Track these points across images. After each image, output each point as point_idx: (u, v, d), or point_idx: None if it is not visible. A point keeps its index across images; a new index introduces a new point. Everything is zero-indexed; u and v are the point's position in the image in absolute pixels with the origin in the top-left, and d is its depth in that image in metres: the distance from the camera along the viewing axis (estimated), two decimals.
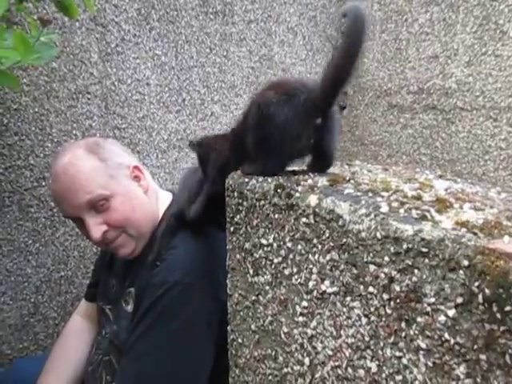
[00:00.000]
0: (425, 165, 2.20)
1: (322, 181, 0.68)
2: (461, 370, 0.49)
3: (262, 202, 0.72)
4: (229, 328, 0.86)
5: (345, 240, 0.59)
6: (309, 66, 2.43)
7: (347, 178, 0.69)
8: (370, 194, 0.61)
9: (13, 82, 0.70)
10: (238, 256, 0.80)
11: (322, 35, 2.46)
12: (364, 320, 0.59)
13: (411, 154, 2.28)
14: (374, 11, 2.35)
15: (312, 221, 0.64)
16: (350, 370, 0.61)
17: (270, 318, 0.75)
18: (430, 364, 0.52)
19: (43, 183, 1.57)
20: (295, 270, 0.68)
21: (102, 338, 1.10)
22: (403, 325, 0.54)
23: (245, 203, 0.76)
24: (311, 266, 0.65)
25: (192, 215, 0.92)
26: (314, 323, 0.66)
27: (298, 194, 0.66)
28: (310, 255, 0.65)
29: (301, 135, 0.72)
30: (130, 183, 1.06)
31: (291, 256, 0.69)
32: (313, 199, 0.63)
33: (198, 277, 0.93)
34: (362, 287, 0.58)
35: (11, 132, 1.48)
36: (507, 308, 0.44)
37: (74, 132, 1.62)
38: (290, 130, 0.71)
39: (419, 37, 2.16)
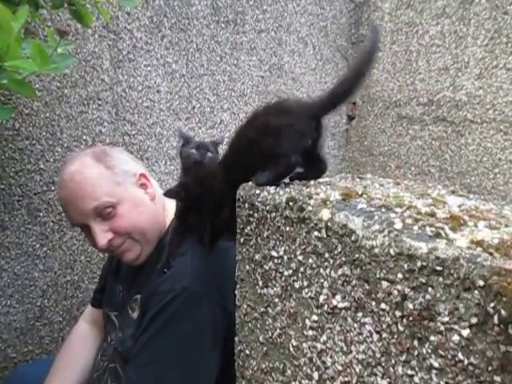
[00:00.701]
0: (433, 177, 2.20)
1: (335, 195, 0.68)
2: None
3: (274, 214, 0.72)
4: (236, 339, 0.85)
5: (357, 255, 0.59)
6: (318, 75, 2.43)
7: (360, 193, 0.68)
8: (383, 210, 0.61)
9: (29, 91, 0.70)
10: (247, 267, 0.80)
11: (332, 45, 2.47)
12: (375, 336, 0.58)
13: (420, 166, 2.27)
14: (385, 22, 2.36)
15: (324, 235, 0.63)
16: None
17: (278, 330, 0.74)
18: None
19: (52, 188, 1.58)
20: (306, 283, 0.68)
21: (108, 345, 1.10)
22: (416, 343, 0.53)
23: (256, 215, 0.76)
24: (322, 280, 0.65)
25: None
26: (323, 337, 0.66)
27: (310, 208, 0.66)
28: (322, 269, 0.65)
29: (305, 134, 0.77)
30: (137, 191, 1.07)
31: (302, 269, 0.68)
32: (325, 213, 0.63)
33: (205, 285, 0.93)
34: (374, 303, 0.58)
35: (22, 136, 1.50)
36: None
37: (84, 137, 1.63)
38: (292, 134, 0.76)
39: (430, 49, 2.16)
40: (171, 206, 1.13)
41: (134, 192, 1.06)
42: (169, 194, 0.95)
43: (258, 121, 0.81)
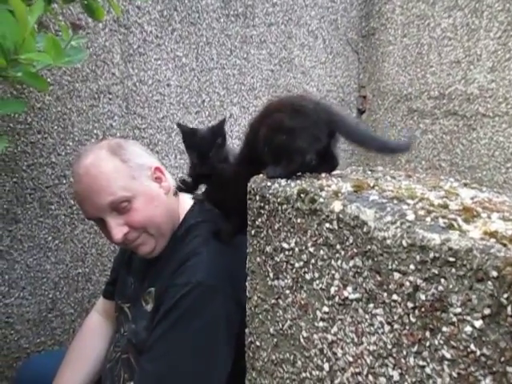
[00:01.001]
0: (444, 171, 2.18)
1: (346, 187, 0.68)
2: (486, 381, 0.48)
3: (285, 206, 0.72)
4: (247, 330, 0.86)
5: (369, 247, 0.59)
6: (328, 69, 2.42)
7: (371, 185, 0.68)
8: (396, 202, 0.61)
9: (42, 84, 0.71)
10: (258, 259, 0.80)
11: (343, 39, 2.46)
12: (387, 328, 0.58)
13: (431, 160, 2.25)
14: (396, 15, 2.33)
15: (336, 226, 0.64)
16: (370, 377, 0.61)
17: (289, 321, 0.75)
18: (454, 375, 0.51)
19: (64, 181, 1.59)
20: (317, 275, 0.68)
21: (121, 336, 1.11)
22: (428, 334, 0.53)
23: (267, 207, 0.76)
24: (333, 272, 0.65)
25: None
26: (334, 329, 0.66)
27: (321, 200, 0.66)
28: (333, 261, 0.65)
29: (319, 137, 0.77)
30: (152, 184, 1.07)
31: (313, 261, 0.68)
32: (337, 205, 0.63)
33: (220, 279, 0.93)
34: (385, 294, 0.58)
35: (34, 130, 1.51)
36: None
37: (95, 131, 1.64)
38: (307, 133, 0.76)
39: (441, 42, 2.14)
40: (185, 198, 1.14)
41: (149, 186, 1.06)
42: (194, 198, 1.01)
43: (272, 119, 0.80)
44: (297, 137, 0.76)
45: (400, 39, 2.33)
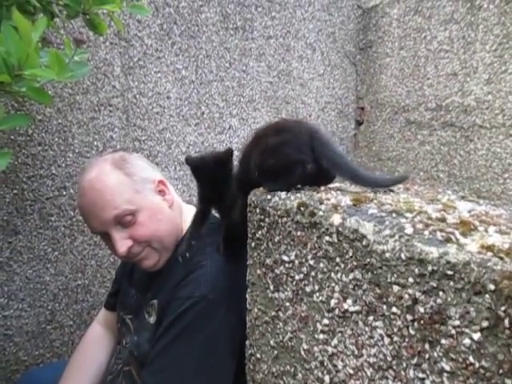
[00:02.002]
0: (442, 182, 2.19)
1: (346, 200, 0.69)
2: None
3: (285, 219, 0.73)
4: (247, 343, 0.86)
5: (368, 260, 0.60)
6: (326, 81, 2.44)
7: (370, 198, 0.69)
8: (394, 215, 0.62)
9: (46, 99, 0.72)
10: (258, 271, 0.81)
11: (340, 51, 2.48)
12: (387, 340, 0.59)
13: (429, 171, 2.27)
14: (393, 28, 2.36)
15: (335, 239, 0.64)
16: None
17: (289, 334, 0.75)
18: None
19: (64, 193, 1.60)
20: (317, 287, 0.69)
21: (123, 348, 1.11)
22: (427, 346, 0.54)
23: (267, 219, 0.77)
24: (333, 285, 0.66)
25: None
26: (335, 341, 0.67)
27: (321, 213, 0.67)
28: (333, 273, 0.66)
29: (302, 149, 0.79)
30: (155, 197, 1.07)
31: (313, 273, 0.69)
32: (336, 218, 0.64)
33: (223, 293, 0.93)
34: (385, 307, 0.58)
35: (35, 142, 1.52)
36: None
37: (96, 143, 1.65)
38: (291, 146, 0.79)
39: (438, 54, 2.17)
40: (188, 211, 1.15)
41: (153, 199, 1.06)
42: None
43: (259, 143, 0.83)
44: (282, 152, 0.78)
45: (397, 52, 2.36)
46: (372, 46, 2.49)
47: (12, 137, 1.46)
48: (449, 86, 2.14)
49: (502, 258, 0.49)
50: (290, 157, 0.78)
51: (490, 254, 0.50)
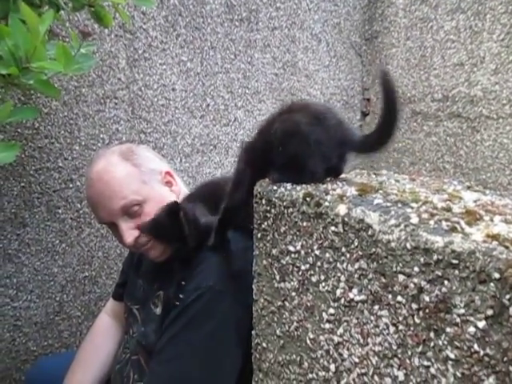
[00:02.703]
0: (448, 173, 2.18)
1: (351, 190, 0.69)
2: (490, 381, 0.49)
3: (291, 210, 0.73)
4: (253, 332, 0.87)
5: (374, 249, 0.60)
6: (332, 72, 2.43)
7: (376, 188, 0.69)
8: (400, 205, 0.62)
9: (54, 92, 0.73)
10: (264, 262, 0.81)
11: (346, 42, 2.47)
12: (392, 329, 0.59)
13: (435, 162, 2.26)
14: (399, 18, 2.34)
15: (341, 230, 0.65)
16: (376, 377, 0.62)
17: (295, 323, 0.76)
18: (458, 374, 0.52)
19: (71, 185, 1.61)
20: (323, 277, 0.69)
21: (130, 338, 1.13)
22: (432, 335, 0.54)
23: (273, 210, 0.77)
24: (339, 274, 0.66)
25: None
26: (340, 330, 0.67)
27: (327, 203, 0.67)
28: (338, 263, 0.66)
29: (331, 157, 0.77)
30: (163, 188, 1.08)
31: (319, 263, 0.70)
32: (342, 208, 0.65)
33: (230, 284, 0.94)
34: (390, 296, 0.59)
35: (41, 135, 1.53)
36: None
37: (102, 136, 1.66)
38: (321, 150, 0.75)
39: (444, 44, 2.15)
40: None
41: (160, 190, 1.07)
42: None
43: (288, 124, 0.78)
44: (311, 151, 0.75)
45: (403, 42, 2.34)
46: (378, 37, 2.47)
47: (19, 130, 1.47)
48: (455, 76, 2.12)
49: (507, 247, 0.49)
50: (321, 156, 0.75)
51: (495, 243, 0.50)
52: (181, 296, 0.95)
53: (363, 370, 0.64)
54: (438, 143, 2.24)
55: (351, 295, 0.65)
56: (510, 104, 1.95)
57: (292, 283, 0.76)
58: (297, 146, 0.75)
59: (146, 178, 1.05)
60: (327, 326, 0.69)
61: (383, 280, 0.60)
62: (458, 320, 0.51)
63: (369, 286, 0.62)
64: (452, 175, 2.17)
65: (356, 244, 0.63)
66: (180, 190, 1.12)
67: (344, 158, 0.80)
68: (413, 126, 2.34)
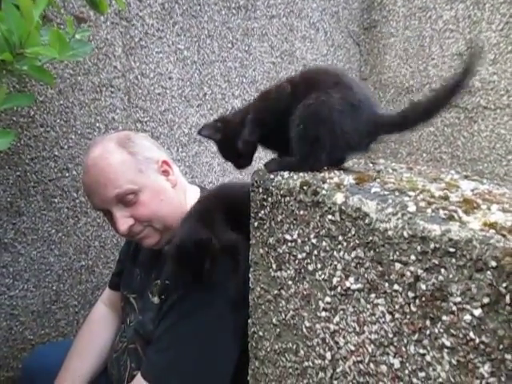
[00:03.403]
0: (445, 163, 2.19)
1: (349, 179, 0.69)
2: (485, 368, 0.50)
3: (287, 199, 0.73)
4: (250, 321, 0.87)
5: (371, 238, 0.60)
6: (330, 61, 2.42)
7: (373, 177, 0.69)
8: (397, 193, 0.62)
9: (48, 78, 0.72)
10: (261, 250, 0.81)
11: (344, 31, 2.45)
12: (388, 317, 0.59)
13: (432, 152, 2.26)
14: (398, 7, 2.33)
15: (338, 218, 0.65)
16: (372, 365, 0.62)
17: (291, 312, 0.76)
18: (453, 362, 0.52)
19: (67, 174, 1.60)
20: (319, 265, 0.69)
21: (127, 327, 1.13)
22: (428, 323, 0.55)
23: (269, 199, 0.77)
24: (336, 263, 0.66)
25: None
26: (336, 319, 0.67)
27: (324, 192, 0.67)
28: (335, 252, 0.66)
29: (356, 147, 0.75)
30: (159, 178, 1.07)
31: (315, 252, 0.70)
32: (339, 197, 0.64)
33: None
34: (386, 285, 0.59)
35: (37, 124, 1.52)
36: None
37: (98, 124, 1.65)
38: (346, 139, 0.73)
39: (443, 34, 2.14)
40: (192, 192, 1.15)
41: (156, 179, 1.06)
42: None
43: (320, 108, 0.74)
44: (337, 137, 0.72)
45: (402, 31, 2.32)
46: (376, 26, 2.45)
47: (14, 118, 1.46)
48: (454, 66, 2.12)
49: (504, 236, 0.49)
50: (343, 146, 0.73)
51: (492, 231, 0.50)
52: (178, 285, 0.95)
53: (359, 358, 0.64)
54: (436, 133, 2.23)
55: (348, 284, 0.65)
56: (507, 94, 1.94)
57: (288, 272, 0.75)
58: (322, 133, 0.73)
59: (142, 166, 1.04)
60: (323, 314, 0.69)
61: (380, 268, 0.60)
62: (454, 308, 0.52)
63: (365, 275, 0.62)
64: (449, 166, 2.17)
65: (353, 232, 0.63)
66: (177, 180, 1.11)
67: (374, 140, 0.77)
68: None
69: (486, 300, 0.49)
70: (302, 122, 0.74)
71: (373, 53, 2.50)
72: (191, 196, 1.13)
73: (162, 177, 1.08)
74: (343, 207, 0.63)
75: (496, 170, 2.02)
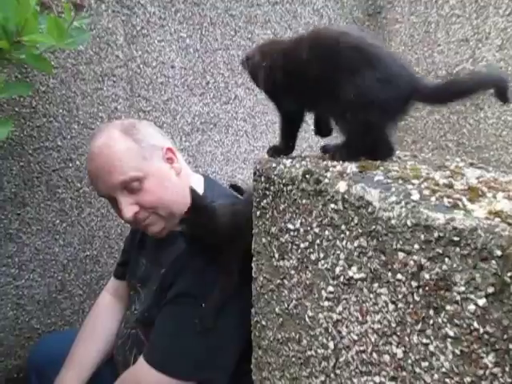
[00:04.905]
0: (451, 151, 2.16)
1: (352, 167, 0.68)
2: (489, 358, 0.49)
3: (290, 187, 0.72)
4: (253, 310, 0.87)
5: (374, 227, 0.59)
6: None
7: (377, 165, 0.68)
8: (401, 182, 0.61)
9: (47, 66, 0.71)
10: (263, 240, 0.81)
11: (348, 17, 2.42)
12: (391, 306, 0.59)
13: (437, 140, 2.23)
14: None
15: (341, 207, 0.64)
16: (375, 355, 0.62)
17: (294, 301, 0.76)
18: (457, 352, 0.52)
19: (70, 164, 1.60)
20: (322, 255, 0.69)
21: (132, 314, 1.14)
22: (431, 312, 0.54)
23: (272, 188, 0.76)
24: (338, 252, 0.66)
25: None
26: (339, 308, 0.67)
27: (326, 180, 0.66)
28: (338, 241, 0.65)
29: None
30: (163, 165, 1.07)
31: (318, 241, 0.69)
32: (342, 185, 0.63)
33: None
34: (390, 274, 0.58)
35: (39, 114, 1.51)
36: None
37: (100, 114, 1.64)
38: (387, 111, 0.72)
39: (449, 19, 2.10)
40: (196, 180, 1.15)
41: (161, 167, 1.07)
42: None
43: (366, 91, 0.70)
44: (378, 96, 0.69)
45: (407, 17, 2.28)
46: (381, 12, 2.41)
47: (16, 108, 1.45)
48: (460, 52, 2.08)
49: (510, 224, 0.48)
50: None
51: (497, 219, 0.49)
52: (184, 275, 0.95)
53: (362, 348, 0.64)
54: (441, 121, 2.21)
55: (350, 273, 0.64)
56: None
57: (291, 261, 0.75)
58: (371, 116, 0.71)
59: (146, 153, 1.04)
60: (326, 303, 0.69)
61: (383, 258, 0.59)
62: (458, 298, 0.51)
63: (368, 264, 0.61)
64: (455, 153, 2.15)
65: (356, 221, 0.62)
66: (181, 168, 1.11)
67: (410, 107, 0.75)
68: (416, 103, 2.31)
69: (490, 290, 0.48)
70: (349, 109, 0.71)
71: (378, 39, 2.46)
72: (195, 184, 1.12)
73: (166, 164, 1.08)
74: (346, 196, 0.63)
75: (502, 158, 1.99)
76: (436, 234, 0.52)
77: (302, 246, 0.72)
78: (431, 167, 0.69)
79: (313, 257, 0.70)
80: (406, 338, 0.57)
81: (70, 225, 1.64)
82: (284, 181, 0.73)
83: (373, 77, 0.69)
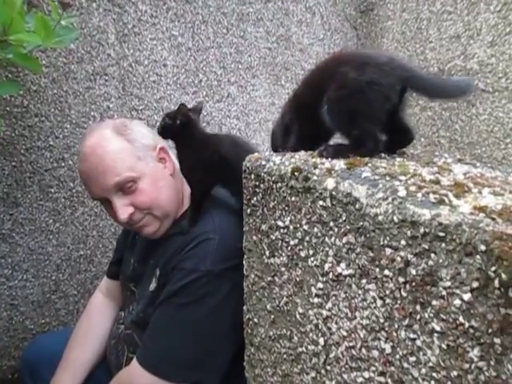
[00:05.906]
0: (443, 147, 2.17)
1: (340, 164, 0.68)
2: (475, 352, 0.49)
3: (279, 185, 0.72)
4: (245, 308, 0.87)
5: (361, 223, 0.60)
6: (327, 46, 2.39)
7: (365, 162, 0.69)
8: (388, 178, 0.61)
9: (35, 65, 0.70)
10: (254, 237, 0.81)
11: (341, 15, 2.42)
12: (379, 302, 0.59)
13: (430, 137, 2.24)
14: None
15: (329, 204, 0.64)
16: (364, 350, 0.63)
17: (285, 298, 0.76)
18: (443, 346, 0.52)
19: (63, 164, 1.60)
20: (311, 252, 0.69)
21: (128, 314, 1.13)
22: (418, 308, 0.54)
23: (262, 185, 0.76)
24: (327, 249, 0.66)
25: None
26: (329, 305, 0.67)
27: (315, 177, 0.66)
28: (327, 238, 0.66)
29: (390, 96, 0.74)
30: (157, 165, 1.06)
31: (307, 238, 0.69)
32: (330, 182, 0.64)
33: (228, 266, 0.93)
34: (377, 270, 0.59)
35: (31, 113, 1.51)
36: None
37: (92, 113, 1.63)
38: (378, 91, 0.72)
39: (441, 16, 2.10)
40: None
41: (155, 166, 1.05)
42: None
43: (339, 74, 0.73)
44: (366, 96, 0.71)
45: (399, 14, 2.29)
46: (373, 9, 2.42)
47: (8, 108, 1.45)
48: (451, 49, 2.09)
49: (493, 219, 0.48)
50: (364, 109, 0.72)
51: (482, 215, 0.49)
52: (177, 275, 0.95)
53: (351, 344, 0.64)
54: (434, 117, 2.22)
55: (339, 269, 0.64)
56: (506, 77, 1.92)
57: (281, 258, 0.75)
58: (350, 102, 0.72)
59: (140, 153, 1.03)
60: (316, 300, 0.69)
61: (371, 254, 0.59)
62: (444, 293, 0.51)
63: (356, 260, 0.62)
64: (447, 150, 2.16)
65: (344, 218, 0.62)
66: (174, 167, 1.10)
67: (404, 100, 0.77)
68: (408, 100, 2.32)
69: (475, 284, 0.48)
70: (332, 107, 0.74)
71: (370, 36, 2.47)
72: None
73: (159, 164, 1.07)
74: (334, 193, 0.63)
75: (494, 154, 2.00)
76: (422, 230, 0.52)
77: (291, 243, 0.72)
78: (419, 163, 0.69)
79: (302, 254, 0.71)
80: (394, 334, 0.58)
81: (63, 224, 1.64)
82: (273, 178, 0.73)
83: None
